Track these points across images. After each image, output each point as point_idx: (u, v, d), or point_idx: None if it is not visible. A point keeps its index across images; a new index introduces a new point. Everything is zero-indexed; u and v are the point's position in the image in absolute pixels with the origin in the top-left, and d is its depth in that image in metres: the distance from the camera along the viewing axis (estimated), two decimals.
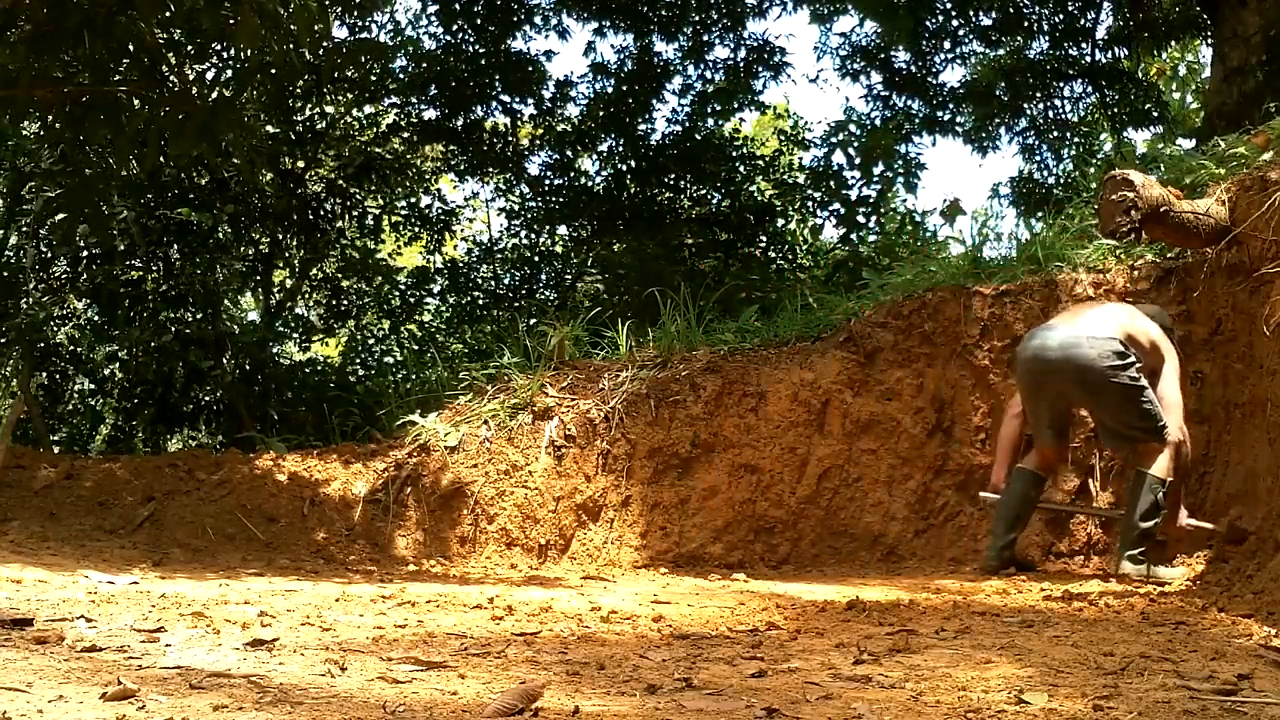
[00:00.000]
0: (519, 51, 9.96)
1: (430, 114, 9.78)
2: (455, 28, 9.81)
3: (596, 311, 6.31)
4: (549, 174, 10.37)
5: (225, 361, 7.90)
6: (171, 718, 1.56)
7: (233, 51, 5.36)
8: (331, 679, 1.89)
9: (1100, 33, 10.50)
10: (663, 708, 1.77)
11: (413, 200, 9.85)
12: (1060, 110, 10.83)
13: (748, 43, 10.52)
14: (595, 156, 10.42)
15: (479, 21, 9.78)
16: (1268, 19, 7.05)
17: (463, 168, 10.28)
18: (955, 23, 10.67)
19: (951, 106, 10.84)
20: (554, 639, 2.50)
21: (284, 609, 2.75)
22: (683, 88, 10.46)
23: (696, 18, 10.36)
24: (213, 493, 4.86)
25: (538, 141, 10.43)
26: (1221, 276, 4.47)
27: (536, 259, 10.21)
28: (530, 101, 10.20)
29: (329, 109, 8.78)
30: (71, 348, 8.02)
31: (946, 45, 10.79)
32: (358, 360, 9.20)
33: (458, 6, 9.71)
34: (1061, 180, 10.55)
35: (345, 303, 9.14)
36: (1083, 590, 3.81)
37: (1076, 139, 10.98)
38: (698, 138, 10.27)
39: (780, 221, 10.29)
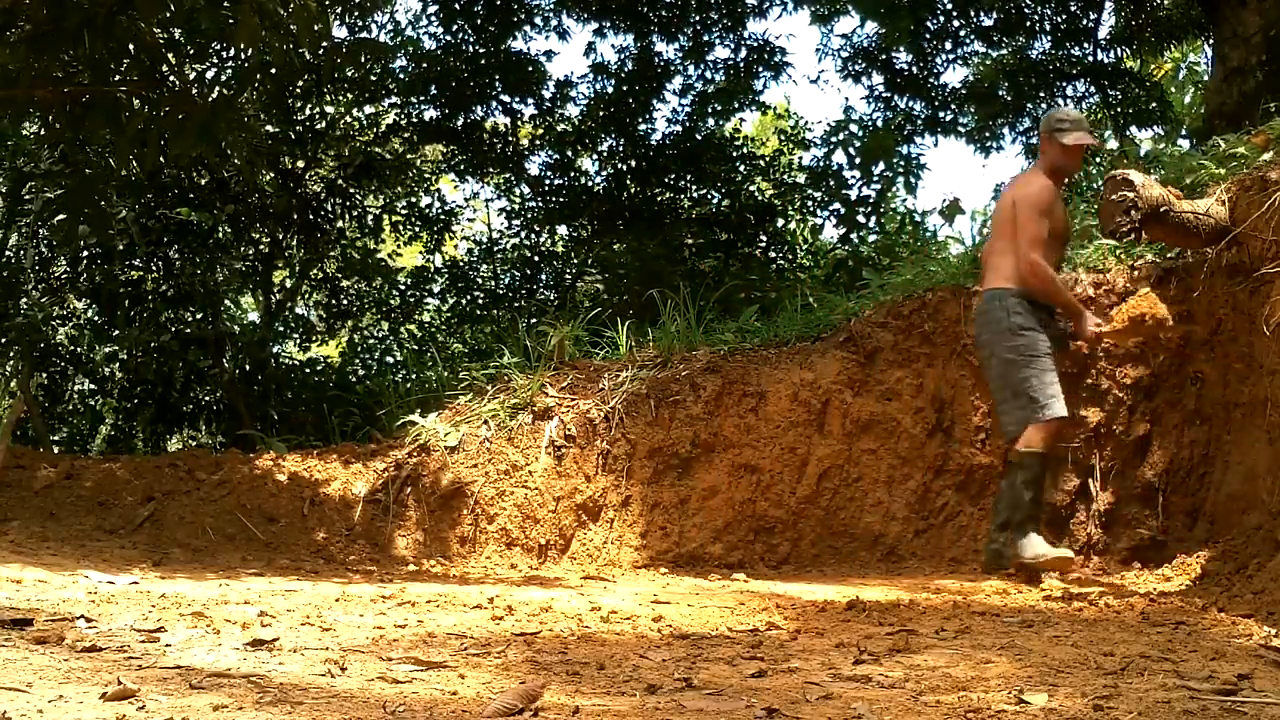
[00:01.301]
0: (519, 51, 9.96)
1: (430, 114, 9.78)
2: (455, 28, 9.81)
3: (596, 311, 6.31)
4: (549, 174, 10.37)
5: (225, 361, 7.90)
6: (171, 718, 1.56)
7: (233, 51, 5.36)
8: (331, 679, 1.89)
9: (1102, 32, 10.50)
10: (663, 708, 1.77)
11: (413, 200, 9.85)
12: None
13: (748, 43, 10.52)
14: (595, 156, 10.42)
15: (479, 21, 9.78)
16: (1268, 19, 7.04)
17: (463, 168, 10.27)
18: (956, 23, 10.65)
19: (953, 107, 10.83)
20: (554, 639, 2.50)
21: (284, 609, 2.75)
22: (683, 88, 10.46)
23: (697, 18, 10.35)
24: (213, 493, 4.86)
25: (538, 141, 10.43)
26: (1221, 276, 4.47)
27: (536, 259, 10.20)
28: (530, 101, 10.20)
29: (329, 109, 8.78)
30: (71, 348, 8.02)
31: (948, 46, 10.78)
32: (358, 360, 9.20)
33: (458, 6, 9.70)
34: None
35: (345, 303, 9.14)
36: (1083, 590, 3.82)
37: None
38: (698, 138, 10.27)
39: (780, 221, 10.28)
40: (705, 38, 10.44)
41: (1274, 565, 3.18)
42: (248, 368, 8.20)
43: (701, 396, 5.08)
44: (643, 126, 10.35)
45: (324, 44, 5.50)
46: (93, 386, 8.29)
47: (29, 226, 7.44)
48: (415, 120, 9.63)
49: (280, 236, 8.51)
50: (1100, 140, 4.34)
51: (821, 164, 10.61)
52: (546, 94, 10.18)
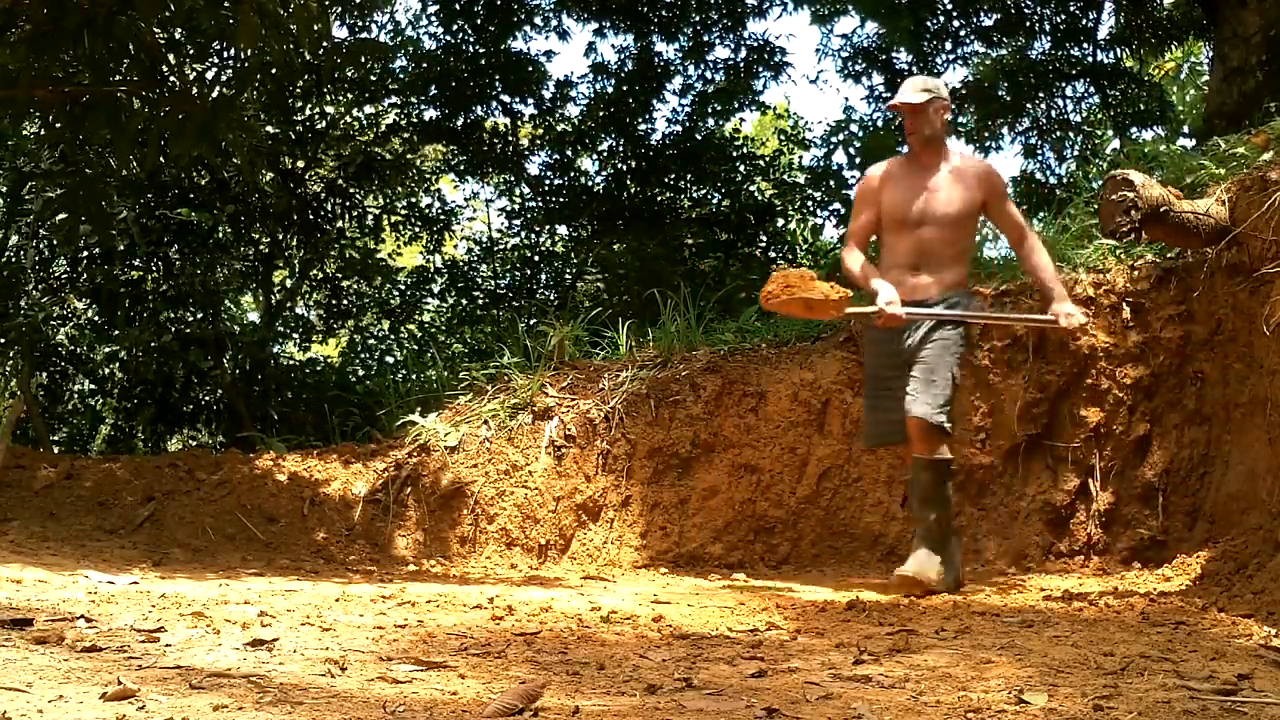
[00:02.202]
0: (519, 51, 9.96)
1: (430, 114, 9.78)
2: (455, 28, 9.81)
3: (596, 311, 6.31)
4: (549, 174, 10.37)
5: (225, 361, 7.89)
6: (171, 718, 1.55)
7: (233, 51, 5.36)
8: (331, 679, 1.88)
9: (1102, 32, 10.51)
10: (663, 708, 1.77)
11: (413, 200, 9.85)
12: (1063, 110, 10.82)
13: (748, 43, 10.52)
14: (595, 156, 10.42)
15: (479, 21, 9.78)
16: (1268, 19, 7.05)
17: (463, 168, 10.28)
18: (956, 23, 10.66)
19: (953, 107, 10.82)
20: (554, 639, 2.50)
21: (284, 609, 2.75)
22: (683, 88, 10.46)
23: (697, 18, 10.35)
24: (213, 493, 4.86)
25: (538, 141, 10.43)
26: (1221, 276, 4.47)
27: (536, 259, 10.20)
28: (530, 101, 10.20)
29: (329, 109, 8.78)
30: (71, 348, 8.02)
31: (948, 46, 10.79)
32: (358, 360, 9.19)
33: (458, 6, 9.70)
34: (1063, 180, 10.55)
35: (345, 303, 9.13)
36: (1083, 590, 3.82)
37: (1079, 139, 10.98)
38: (698, 138, 10.27)
39: (780, 221, 10.29)
40: (705, 38, 10.44)
41: (1274, 565, 3.18)
42: (248, 368, 8.19)
43: (701, 396, 5.08)
44: (643, 126, 10.35)
45: (324, 44, 5.50)
46: (93, 386, 8.28)
47: (29, 226, 7.44)
48: (415, 120, 9.63)
49: (280, 236, 8.50)
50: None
51: (821, 164, 10.62)
52: (546, 94, 10.18)
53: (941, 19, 10.58)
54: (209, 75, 6.11)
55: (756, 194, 10.29)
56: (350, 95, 8.93)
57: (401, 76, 9.58)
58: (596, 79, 10.32)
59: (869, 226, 4.11)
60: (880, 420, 4.08)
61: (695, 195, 10.30)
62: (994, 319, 4.50)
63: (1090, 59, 10.45)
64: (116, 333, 7.63)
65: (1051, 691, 1.93)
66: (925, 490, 3.90)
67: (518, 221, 10.50)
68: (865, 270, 4.01)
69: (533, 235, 10.39)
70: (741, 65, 10.45)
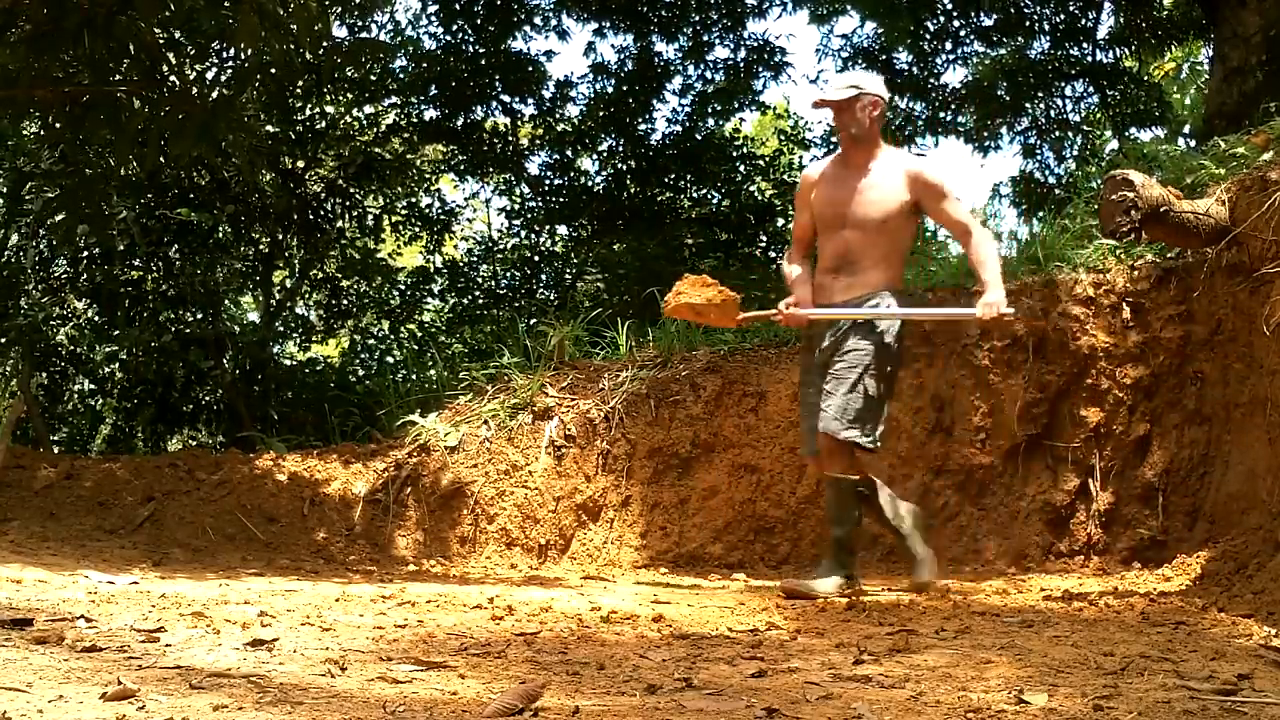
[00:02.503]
0: (519, 51, 9.97)
1: (430, 114, 9.79)
2: (455, 28, 9.82)
3: (596, 311, 6.31)
4: (549, 174, 10.38)
5: (225, 361, 7.90)
6: (171, 718, 1.55)
7: (233, 51, 5.37)
8: (331, 679, 1.88)
9: (1101, 33, 10.51)
10: (663, 708, 1.77)
11: (413, 200, 9.85)
12: (1062, 110, 10.83)
13: (748, 43, 10.53)
14: (595, 156, 10.43)
15: (479, 21, 9.79)
16: (1268, 19, 7.05)
17: (463, 168, 10.28)
18: (956, 23, 10.66)
19: (953, 107, 10.83)
20: (554, 639, 2.50)
21: (284, 609, 2.75)
22: (683, 88, 10.47)
23: (696, 18, 10.36)
24: (213, 493, 4.86)
25: (538, 141, 10.44)
26: (1221, 276, 4.47)
27: (536, 259, 10.21)
28: (530, 101, 10.21)
29: (329, 109, 8.78)
30: (71, 348, 8.02)
31: (948, 46, 10.79)
32: (358, 360, 9.19)
33: (458, 6, 9.71)
34: (1062, 180, 10.54)
35: (345, 303, 9.14)
36: (1083, 590, 3.81)
37: (1078, 139, 10.98)
38: (698, 138, 10.28)
39: (780, 221, 10.28)
40: (705, 38, 10.45)
41: (1274, 565, 3.18)
42: (248, 368, 8.20)
43: (701, 396, 5.08)
44: (643, 126, 10.36)
45: (324, 44, 5.51)
46: (93, 386, 8.29)
47: (29, 226, 7.44)
48: (415, 120, 9.64)
49: (280, 236, 8.50)
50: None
51: None
52: (546, 94, 10.19)
53: (941, 19, 10.58)
54: (209, 75, 6.11)
55: (756, 194, 10.30)
56: (350, 95, 8.94)
57: (401, 76, 9.59)
58: (596, 79, 10.33)
59: (806, 228, 3.97)
60: (805, 430, 3.96)
61: (695, 195, 10.30)
62: (909, 314, 4.10)
63: (1090, 59, 10.46)
64: (116, 333, 7.63)
65: (1051, 691, 1.93)
66: (832, 508, 3.82)
67: (518, 221, 10.51)
68: (796, 277, 3.90)
69: (533, 235, 10.39)
70: (741, 65, 10.45)
